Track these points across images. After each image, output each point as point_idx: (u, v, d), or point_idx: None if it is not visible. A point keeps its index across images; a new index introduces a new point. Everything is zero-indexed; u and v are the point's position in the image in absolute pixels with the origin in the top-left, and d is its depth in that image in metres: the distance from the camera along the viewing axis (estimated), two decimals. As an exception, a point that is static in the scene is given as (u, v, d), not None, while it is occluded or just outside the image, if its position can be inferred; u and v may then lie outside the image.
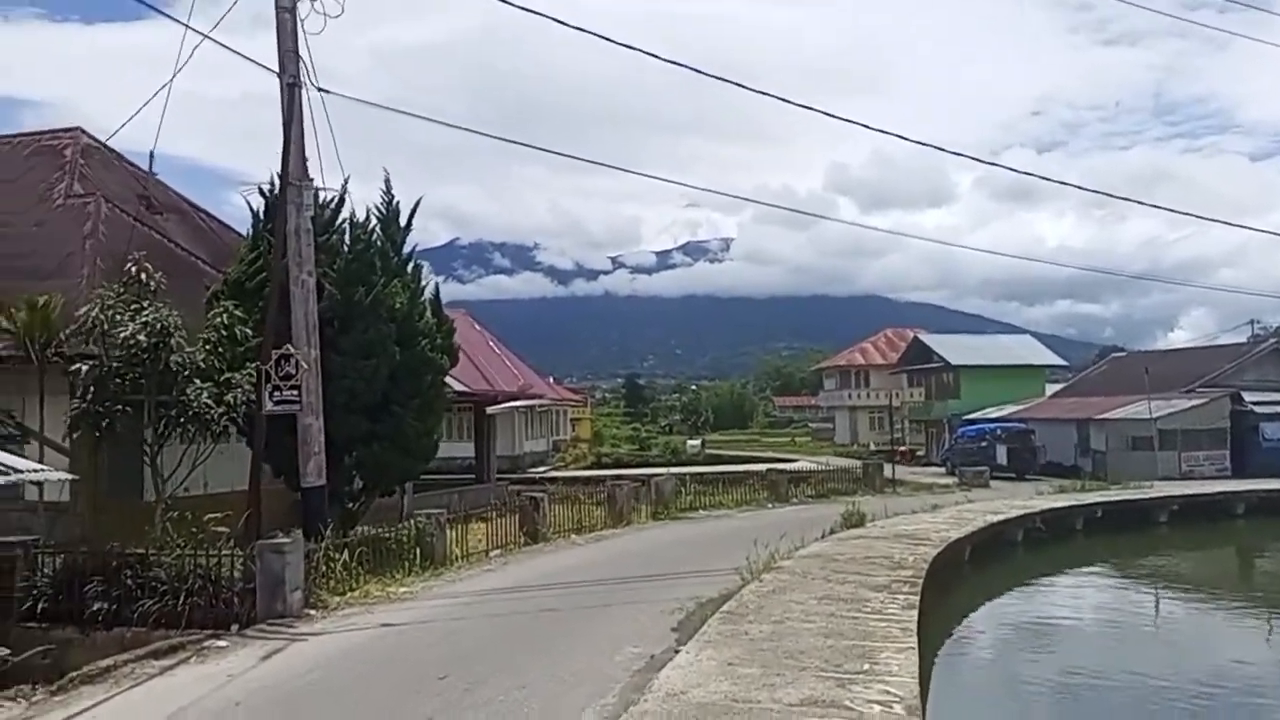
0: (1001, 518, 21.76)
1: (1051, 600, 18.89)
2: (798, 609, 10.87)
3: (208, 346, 14.90)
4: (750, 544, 15.01)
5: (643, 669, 9.19)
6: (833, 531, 18.48)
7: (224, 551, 12.85)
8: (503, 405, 35.16)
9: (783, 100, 16.23)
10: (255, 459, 14.11)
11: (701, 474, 35.70)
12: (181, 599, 12.45)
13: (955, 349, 59.30)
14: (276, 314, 14.93)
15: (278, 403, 13.70)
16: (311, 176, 16.18)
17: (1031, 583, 20.23)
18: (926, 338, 63.43)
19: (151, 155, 28.93)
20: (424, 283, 19.68)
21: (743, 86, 16.13)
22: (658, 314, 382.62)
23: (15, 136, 26.84)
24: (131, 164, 26.58)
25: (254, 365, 14.18)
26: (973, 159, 74.12)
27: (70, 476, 11.87)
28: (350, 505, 18.28)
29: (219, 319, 14.97)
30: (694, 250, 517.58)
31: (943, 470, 45.20)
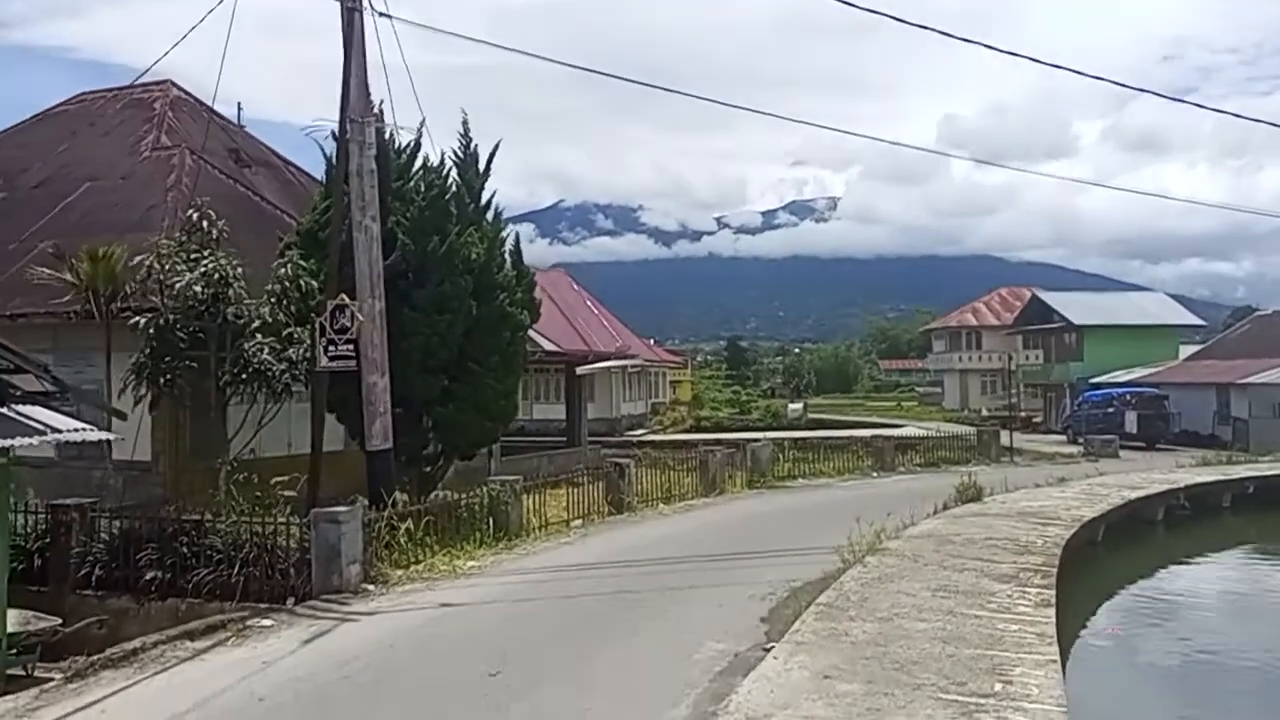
0: (1141, 493, 19.50)
1: (1201, 588, 16.74)
2: (908, 602, 9.30)
3: (272, 299, 14.06)
4: (852, 518, 13.48)
5: (723, 671, 7.83)
6: (946, 507, 16.69)
7: (280, 520, 11.97)
8: (595, 365, 34.06)
9: (945, 34, 14.25)
10: (315, 419, 13.19)
11: (802, 439, 33.99)
12: (237, 569, 11.66)
13: (1078, 307, 55.48)
14: (339, 263, 13.94)
15: (332, 358, 12.73)
16: (378, 112, 15.12)
17: (1180, 564, 18.03)
18: (1046, 295, 59.61)
19: (239, 107, 28.84)
20: (504, 232, 18.53)
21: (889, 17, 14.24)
22: (761, 275, 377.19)
23: (110, 90, 26.83)
24: (223, 117, 26.22)
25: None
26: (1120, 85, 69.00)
27: (111, 435, 11.06)
28: (427, 469, 17.41)
29: (283, 270, 14.06)
30: (800, 209, 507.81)
31: (1064, 439, 42.34)
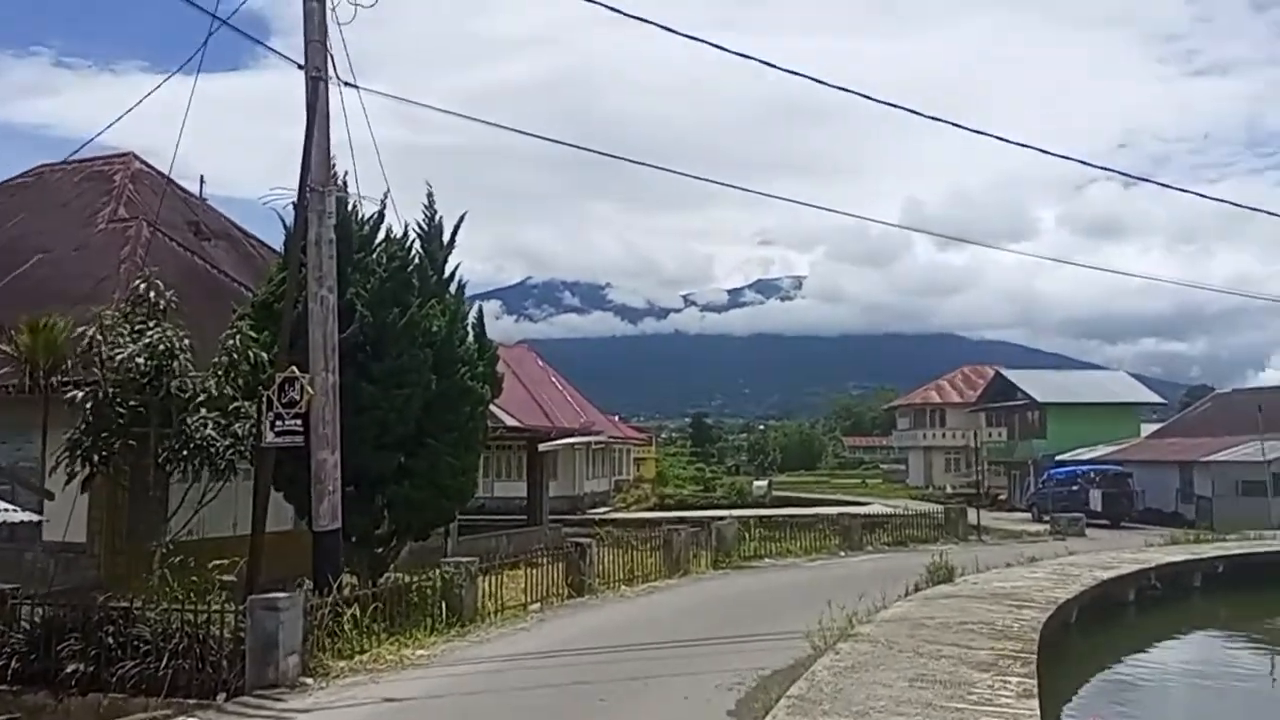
0: (1113, 573, 19.14)
1: (1176, 671, 16.32)
2: (884, 694, 8.77)
3: (219, 373, 13.49)
4: (822, 600, 12.96)
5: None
6: (917, 588, 16.21)
7: (214, 607, 11.23)
8: (558, 442, 33.46)
9: (912, 112, 14.31)
10: (258, 497, 12.51)
11: (768, 517, 33.50)
12: (165, 661, 10.87)
13: (1041, 385, 55.91)
14: (294, 335, 13.44)
15: (279, 433, 12.11)
16: (341, 183, 14.79)
17: (1153, 647, 17.62)
18: (1010, 373, 60.09)
19: (201, 180, 28.49)
20: (466, 306, 18.16)
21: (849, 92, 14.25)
22: (727, 353, 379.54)
23: (71, 163, 26.45)
24: (184, 190, 25.90)
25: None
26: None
27: (36, 517, 10.37)
28: (379, 550, 16.68)
29: (231, 341, 13.52)
30: (766, 288, 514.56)
31: (1029, 516, 42.17)
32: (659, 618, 15.31)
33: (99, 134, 15.74)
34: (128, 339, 12.59)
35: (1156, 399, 59.94)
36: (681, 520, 31.26)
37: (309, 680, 10.80)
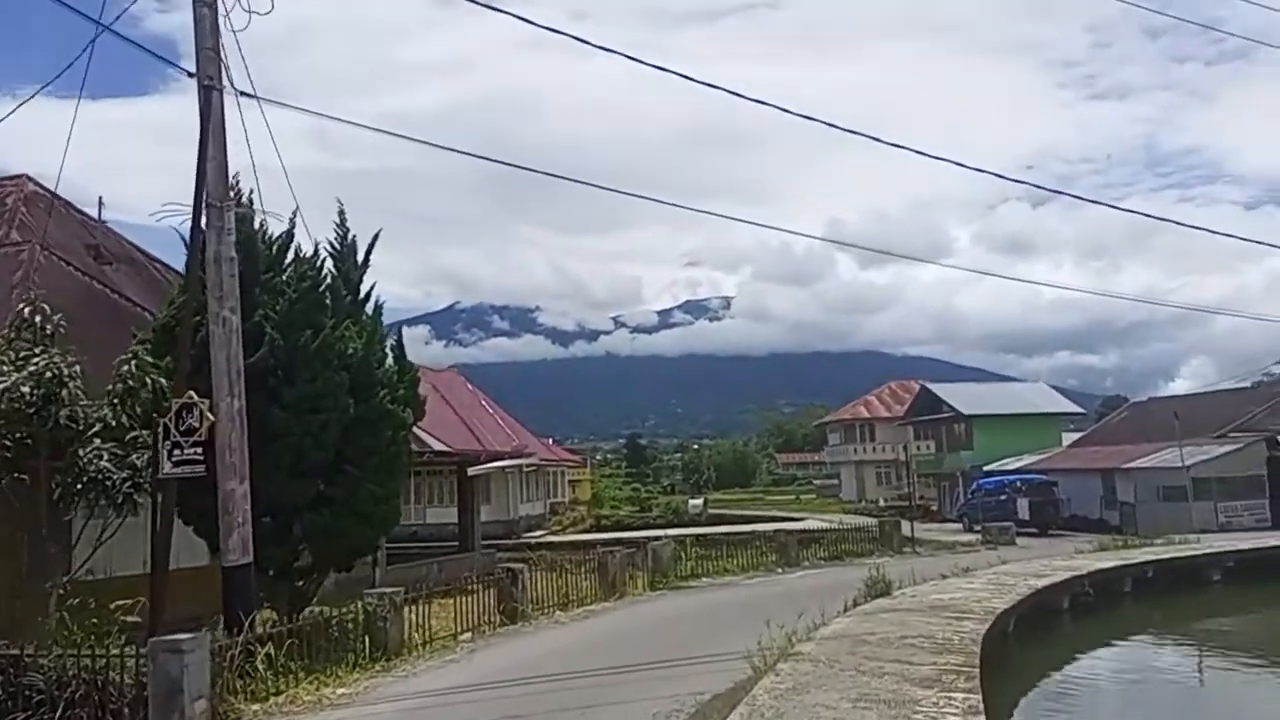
0: (1047, 581, 19.14)
1: (1112, 675, 16.33)
2: (827, 716, 8.39)
3: (114, 401, 12.62)
4: (760, 619, 12.59)
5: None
6: (856, 603, 15.94)
7: (112, 651, 10.38)
8: (489, 465, 32.65)
9: (829, 125, 14.16)
10: (160, 531, 11.68)
11: (704, 535, 33.18)
12: (61, 711, 10.00)
13: (966, 398, 56.84)
14: (198, 359, 12.67)
15: (177, 463, 11.32)
16: (240, 197, 14.11)
17: (1089, 652, 17.64)
18: (936, 387, 61.01)
19: (100, 202, 27.24)
20: (384, 327, 17.46)
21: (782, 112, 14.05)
22: (659, 373, 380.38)
23: (-42, 186, 25.03)
24: (82, 213, 24.74)
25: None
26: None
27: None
28: (299, 583, 15.83)
29: (125, 367, 12.66)
30: (694, 309, 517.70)
31: (959, 527, 42.58)
32: (595, 643, 14.77)
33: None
34: (10, 367, 11.66)
35: (1076, 409, 61.34)
36: (618, 541, 30.74)
37: (217, 727, 10.02)
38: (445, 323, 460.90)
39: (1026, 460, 49.15)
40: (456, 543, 30.00)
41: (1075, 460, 46.56)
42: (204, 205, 12.38)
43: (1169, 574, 23.42)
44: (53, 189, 23.54)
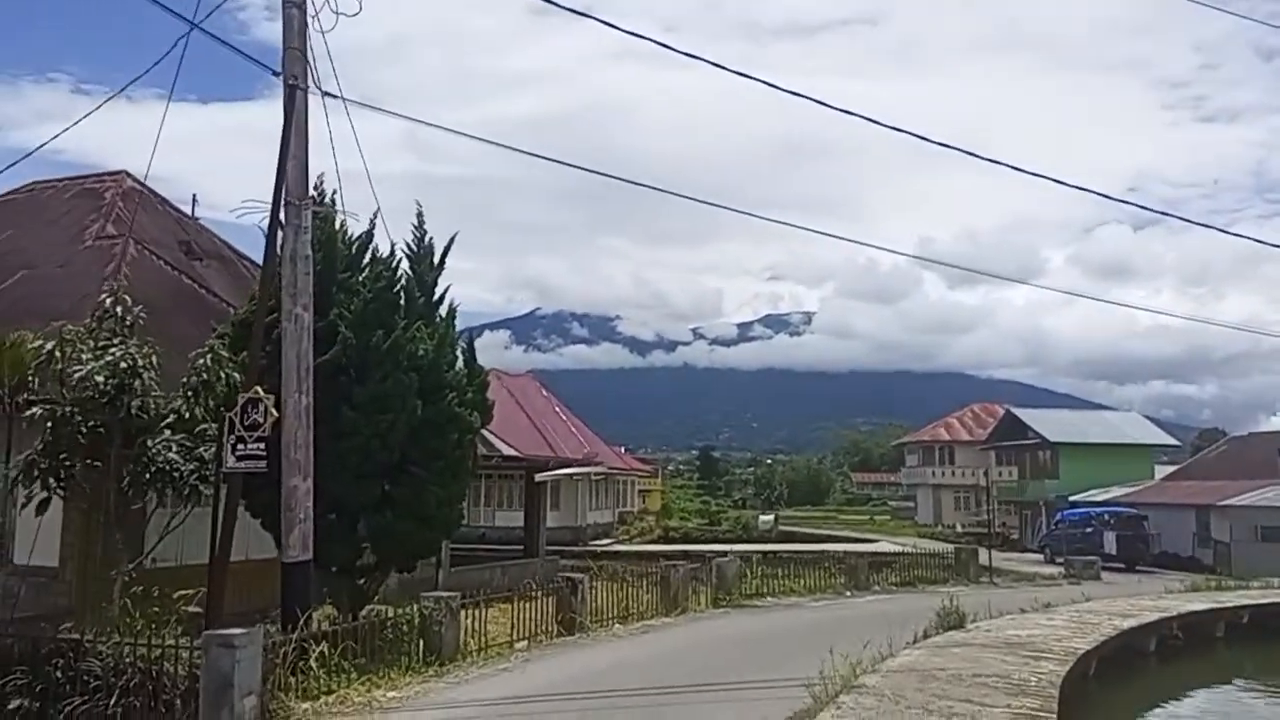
0: (1134, 622, 18.12)
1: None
2: (889, 757, 7.90)
3: (188, 393, 12.76)
4: (824, 644, 12.11)
5: None
6: (926, 635, 15.28)
7: (168, 642, 10.43)
8: (558, 472, 32.62)
9: (922, 138, 13.68)
10: (224, 525, 11.71)
11: (772, 553, 32.55)
12: (115, 699, 10.09)
13: (1053, 425, 54.89)
14: (263, 354, 12.76)
15: (240, 458, 11.35)
16: (322, 197, 14.24)
17: (1176, 700, 16.65)
18: (1020, 412, 59.08)
19: (194, 200, 27.99)
20: (456, 330, 17.43)
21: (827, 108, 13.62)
22: (735, 386, 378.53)
23: (62, 180, 26.06)
24: (178, 210, 25.46)
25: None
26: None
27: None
28: (361, 582, 15.86)
29: (201, 360, 12.80)
30: (774, 323, 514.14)
31: (1041, 558, 41.08)
32: (652, 661, 14.42)
33: (41, 146, 15.29)
34: (89, 356, 11.87)
35: (1170, 440, 58.82)
36: (683, 555, 30.39)
37: (266, 725, 9.98)
38: (525, 328, 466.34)
39: (1115, 492, 47.23)
40: (522, 547, 29.99)
41: (1167, 494, 44.56)
42: (283, 203, 12.46)
43: (1267, 620, 22.06)
44: (143, 183, 24.40)
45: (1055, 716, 9.56)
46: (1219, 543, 38.21)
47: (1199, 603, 22.22)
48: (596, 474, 46.47)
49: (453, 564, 23.96)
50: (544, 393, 55.94)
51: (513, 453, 28.77)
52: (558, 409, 55.24)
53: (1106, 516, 40.48)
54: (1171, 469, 52.47)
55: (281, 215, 12.50)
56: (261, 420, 11.23)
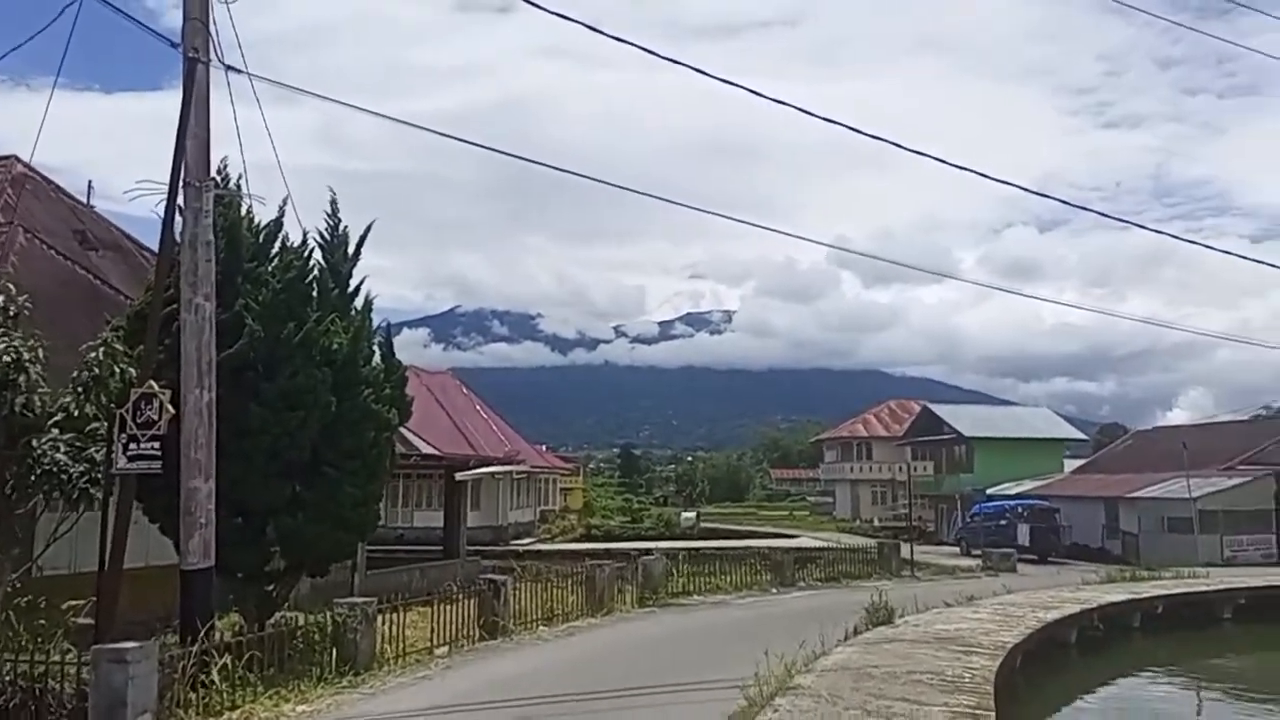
0: (1056, 614, 18.29)
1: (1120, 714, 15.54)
2: (831, 763, 7.57)
3: (78, 389, 11.82)
4: (755, 643, 11.87)
5: None
6: (857, 632, 15.10)
7: (53, 658, 9.57)
8: (478, 470, 31.89)
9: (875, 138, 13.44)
10: (116, 530, 10.83)
11: (696, 549, 32.34)
12: (-7, 722, 9.21)
13: (968, 420, 56.07)
14: (163, 348, 11.90)
15: (133, 458, 10.51)
16: (225, 180, 13.39)
17: (1097, 690, 16.87)
18: (937, 408, 60.23)
19: (89, 186, 26.49)
20: (371, 324, 16.64)
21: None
22: (656, 384, 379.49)
23: (-53, 167, 24.35)
24: (71, 197, 24.06)
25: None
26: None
27: None
28: (269, 588, 15.01)
29: (92, 354, 11.87)
30: (696, 321, 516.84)
31: (957, 550, 41.76)
32: (578, 665, 13.96)
33: None
34: (-33, 350, 10.88)
35: (1080, 435, 60.67)
36: (607, 554, 30.01)
37: (163, 746, 9.21)
38: (445, 326, 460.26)
39: (1027, 485, 48.37)
40: (442, 548, 29.18)
41: (1078, 487, 45.80)
42: (181, 184, 11.60)
43: (1179, 609, 22.62)
44: (36, 170, 22.95)
45: (994, 715, 9.38)
46: (1127, 534, 39.33)
47: (1116, 594, 22.65)
48: (518, 473, 45.74)
49: (369, 566, 23.13)
50: (464, 390, 54.91)
51: (432, 451, 27.97)
52: (478, 407, 54.27)
53: (1020, 509, 41.30)
54: (1079, 463, 54.02)
55: (180, 198, 11.62)
56: (156, 417, 10.41)
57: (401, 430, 23.44)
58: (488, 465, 34.34)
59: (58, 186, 23.88)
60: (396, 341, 18.14)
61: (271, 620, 13.93)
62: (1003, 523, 40.50)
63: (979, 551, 36.47)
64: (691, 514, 61.78)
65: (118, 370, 12.07)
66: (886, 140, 14.35)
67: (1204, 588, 24.91)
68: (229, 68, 11.74)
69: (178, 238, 11.81)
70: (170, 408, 10.64)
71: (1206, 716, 16.69)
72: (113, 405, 11.20)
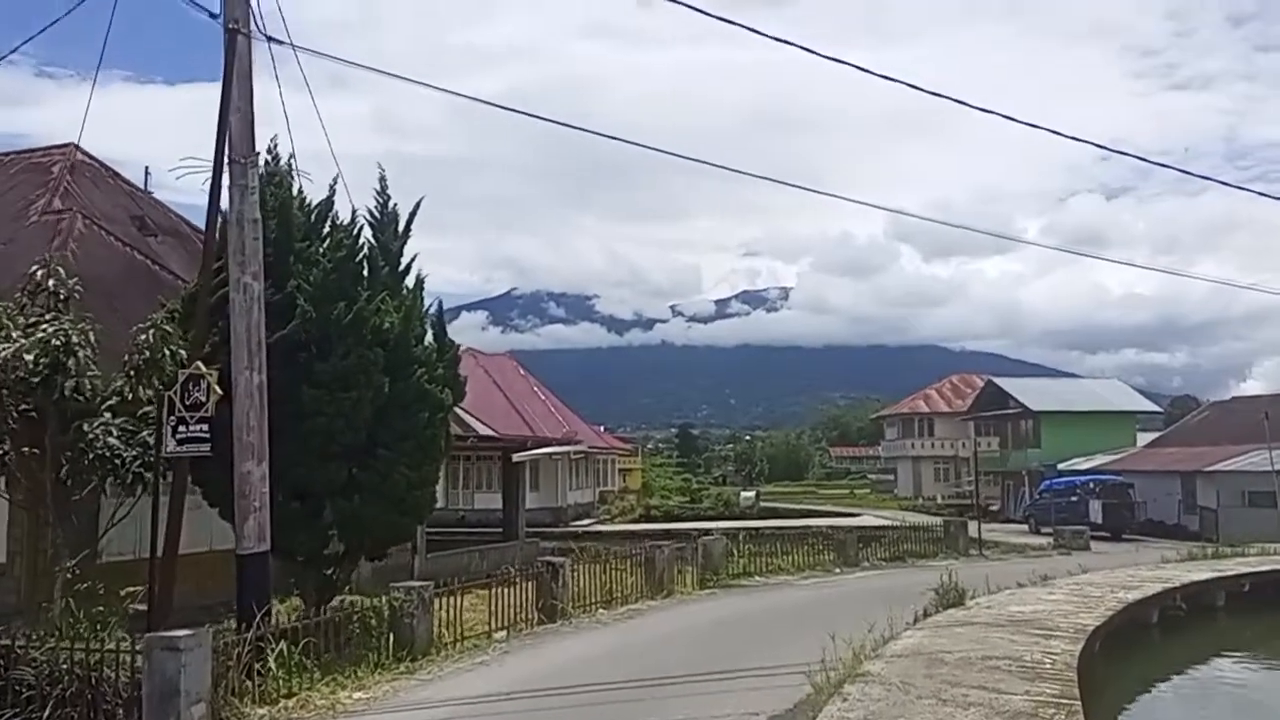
0: (1137, 594, 17.49)
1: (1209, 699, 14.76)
2: (908, 758, 7.10)
3: (130, 372, 11.73)
4: (819, 626, 11.47)
5: None
6: (927, 614, 14.54)
7: (108, 646, 9.48)
8: (535, 451, 31.73)
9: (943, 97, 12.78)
10: (170, 515, 10.70)
11: (756, 529, 31.89)
12: (50, 709, 9.15)
13: (1035, 393, 54.50)
14: (216, 329, 11.77)
15: (182, 441, 10.36)
16: (287, 165, 13.28)
17: (1183, 673, 16.13)
18: (1003, 381, 58.67)
19: (146, 173, 26.75)
20: (424, 303, 16.41)
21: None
22: (713, 363, 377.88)
23: (8, 154, 24.79)
24: (130, 184, 24.32)
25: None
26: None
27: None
28: (329, 572, 14.92)
29: (143, 336, 11.76)
30: (752, 299, 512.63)
31: (1025, 528, 40.66)
32: (638, 649, 13.63)
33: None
34: (19, 334, 10.83)
35: (1153, 408, 58.73)
36: (666, 534, 29.66)
37: (218, 734, 9.07)
38: (502, 309, 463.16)
39: (1099, 460, 46.91)
40: (501, 530, 29.15)
41: (1151, 461, 44.26)
42: (226, 161, 11.39)
43: (1266, 588, 21.56)
44: (94, 156, 23.18)
45: (1079, 705, 8.80)
46: (1205, 509, 37.89)
47: (1199, 572, 21.69)
48: (576, 453, 45.64)
49: (430, 549, 23.10)
50: (522, 372, 55.03)
51: (489, 432, 27.87)
52: (536, 389, 54.34)
53: (1092, 485, 40.05)
54: (1152, 436, 52.25)
55: (226, 176, 11.42)
56: (204, 399, 10.24)
57: (457, 411, 23.31)
58: (545, 446, 34.22)
59: (115, 173, 24.12)
60: (454, 325, 17.93)
61: (331, 604, 13.86)
62: (1073, 499, 39.33)
63: (1049, 529, 35.45)
64: (751, 493, 61.26)
65: (169, 352, 11.96)
66: (949, 98, 13.67)
67: (1292, 565, 23.76)
68: (270, 39, 11.49)
69: (225, 217, 11.65)
70: (218, 389, 10.47)
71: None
72: (164, 389, 11.07)
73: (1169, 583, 19.46)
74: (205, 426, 10.32)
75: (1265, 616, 20.67)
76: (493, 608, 15.11)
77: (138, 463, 11.29)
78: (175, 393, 10.34)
